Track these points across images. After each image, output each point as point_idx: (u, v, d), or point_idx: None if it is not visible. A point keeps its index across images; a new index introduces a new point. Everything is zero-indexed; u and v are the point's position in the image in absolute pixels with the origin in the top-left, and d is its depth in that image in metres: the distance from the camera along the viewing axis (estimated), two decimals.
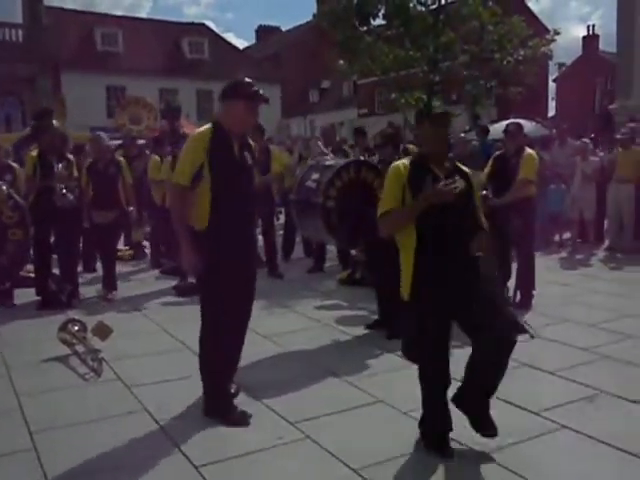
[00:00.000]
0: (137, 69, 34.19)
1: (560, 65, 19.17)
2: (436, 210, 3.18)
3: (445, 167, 3.40)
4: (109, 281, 7.19)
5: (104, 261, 7.35)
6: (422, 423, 3.48)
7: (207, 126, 3.73)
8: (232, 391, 4.02)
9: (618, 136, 10.02)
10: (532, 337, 3.26)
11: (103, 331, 5.03)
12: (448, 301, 3.23)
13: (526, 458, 3.27)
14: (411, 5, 15.87)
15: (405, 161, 3.43)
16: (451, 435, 3.42)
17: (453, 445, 3.39)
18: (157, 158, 8.66)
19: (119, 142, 11.46)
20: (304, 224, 5.98)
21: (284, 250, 9.42)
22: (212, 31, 42.66)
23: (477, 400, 3.35)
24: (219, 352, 3.85)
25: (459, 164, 3.55)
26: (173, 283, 7.45)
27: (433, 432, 3.42)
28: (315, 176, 5.64)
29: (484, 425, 3.35)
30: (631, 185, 9.16)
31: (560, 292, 6.89)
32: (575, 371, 4.49)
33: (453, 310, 3.27)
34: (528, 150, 6.27)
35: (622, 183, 9.23)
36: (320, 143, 8.27)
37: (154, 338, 5.60)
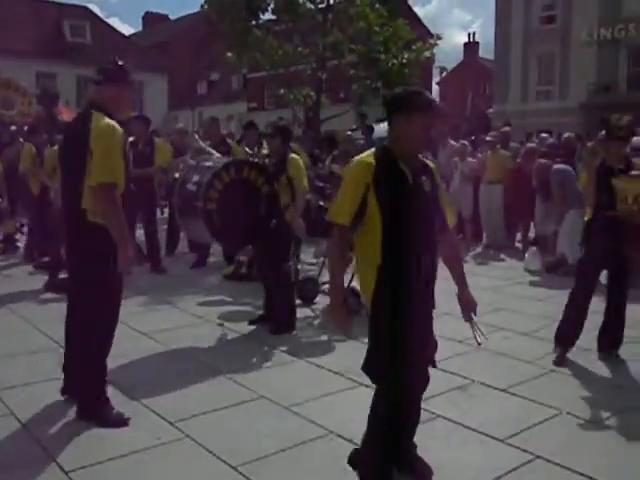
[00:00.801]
0: (11, 50, 32.04)
1: (442, 69, 19.99)
2: (402, 208, 2.81)
3: (413, 164, 2.90)
4: None
5: None
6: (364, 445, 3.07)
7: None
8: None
9: (488, 138, 10.57)
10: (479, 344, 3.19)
11: None
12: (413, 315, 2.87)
13: None
14: (300, 2, 15.96)
15: (370, 157, 2.86)
16: (322, 422, 3.43)
17: (321, 433, 3.43)
18: (31, 147, 8.15)
19: None
20: (188, 226, 5.80)
21: (168, 245, 9.18)
22: (95, 14, 40.88)
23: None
24: (103, 352, 3.72)
25: (425, 159, 3.08)
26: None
27: (377, 459, 3.00)
28: (195, 178, 5.48)
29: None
30: (500, 186, 9.72)
31: (438, 287, 7.16)
32: (450, 362, 4.67)
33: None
34: None
35: (491, 184, 9.78)
36: (197, 137, 8.09)
37: (25, 337, 5.26)
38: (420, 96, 2.86)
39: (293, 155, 5.62)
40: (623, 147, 4.76)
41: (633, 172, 4.58)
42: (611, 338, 4.87)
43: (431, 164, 3.07)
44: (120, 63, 3.69)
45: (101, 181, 3.46)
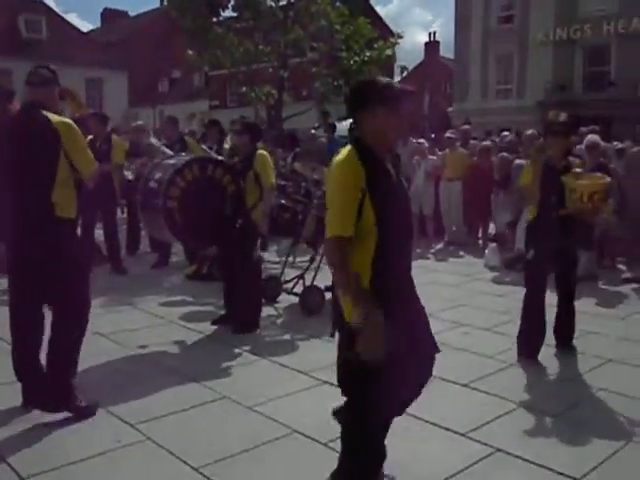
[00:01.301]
0: None
1: (403, 68, 20.15)
2: (393, 208, 2.57)
3: (388, 157, 2.67)
4: None
5: None
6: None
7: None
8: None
9: (447, 135, 10.69)
10: None
11: None
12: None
13: None
14: None
15: (353, 156, 2.53)
16: (285, 421, 3.43)
17: (284, 432, 3.43)
18: None
19: None
20: (149, 224, 5.72)
21: (129, 245, 9.05)
22: (51, 9, 40.03)
23: None
24: (78, 347, 3.89)
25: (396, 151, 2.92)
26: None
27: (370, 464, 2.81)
28: (157, 175, 5.41)
29: None
30: (458, 183, 9.85)
31: None
32: None
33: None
34: None
35: (450, 181, 9.91)
36: (151, 134, 7.98)
37: None
38: (387, 86, 2.60)
39: (260, 151, 5.59)
40: (562, 144, 4.61)
41: (575, 170, 4.50)
42: (564, 333, 4.92)
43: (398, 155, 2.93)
44: (53, 68, 3.93)
45: (92, 171, 3.86)
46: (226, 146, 7.22)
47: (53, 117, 3.66)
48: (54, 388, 3.74)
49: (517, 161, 8.42)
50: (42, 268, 3.67)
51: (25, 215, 3.67)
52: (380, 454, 2.91)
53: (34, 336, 3.81)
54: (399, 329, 2.48)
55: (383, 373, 2.48)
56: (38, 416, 3.70)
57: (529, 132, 8.89)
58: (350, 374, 2.67)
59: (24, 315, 3.79)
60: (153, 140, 7.01)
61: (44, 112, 3.66)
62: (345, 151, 2.58)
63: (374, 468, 2.87)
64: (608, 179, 4.61)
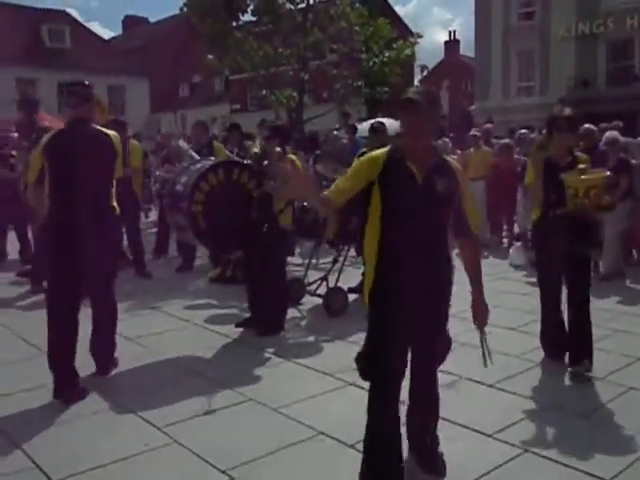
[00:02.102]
0: None
1: (423, 67, 20.06)
2: (403, 206, 2.78)
3: (426, 164, 2.81)
4: None
5: None
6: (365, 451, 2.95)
7: None
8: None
9: (472, 132, 10.61)
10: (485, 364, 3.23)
11: None
12: (407, 321, 2.82)
13: None
14: (280, 2, 15.92)
15: (382, 154, 2.85)
16: (311, 423, 3.42)
17: (310, 434, 3.42)
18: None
19: None
20: (177, 226, 5.78)
21: (157, 249, 9.20)
22: (74, 19, 40.60)
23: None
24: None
25: (446, 157, 3.02)
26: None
27: (376, 462, 2.91)
28: (184, 179, 5.46)
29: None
30: (482, 182, 9.75)
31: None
32: None
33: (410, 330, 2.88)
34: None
35: (474, 180, 9.80)
36: (181, 140, 8.06)
37: (7, 346, 5.20)
38: (403, 96, 2.79)
39: (290, 155, 5.58)
40: (566, 140, 4.38)
41: (580, 166, 4.23)
42: (576, 349, 4.43)
43: (453, 164, 2.95)
44: (87, 84, 4.40)
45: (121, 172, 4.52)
46: (255, 150, 7.25)
47: (104, 130, 4.30)
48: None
49: None
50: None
51: (90, 213, 4.14)
52: (392, 447, 2.91)
53: (74, 330, 4.21)
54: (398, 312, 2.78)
55: (374, 334, 2.85)
56: (67, 419, 3.76)
57: (586, 126, 8.48)
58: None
59: (64, 311, 4.15)
60: (181, 143, 7.08)
61: (94, 126, 4.25)
62: (381, 149, 2.90)
63: (384, 459, 2.89)
64: (606, 173, 4.28)
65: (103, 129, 4.31)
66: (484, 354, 3.14)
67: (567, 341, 4.52)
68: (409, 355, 2.95)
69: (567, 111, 4.39)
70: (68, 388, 4.05)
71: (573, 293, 4.43)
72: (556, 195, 4.26)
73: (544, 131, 5.19)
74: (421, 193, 2.78)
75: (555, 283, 4.56)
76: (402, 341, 2.87)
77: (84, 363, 4.32)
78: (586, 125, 7.37)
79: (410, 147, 2.79)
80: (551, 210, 4.33)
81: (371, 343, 2.89)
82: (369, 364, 2.86)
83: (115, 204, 4.34)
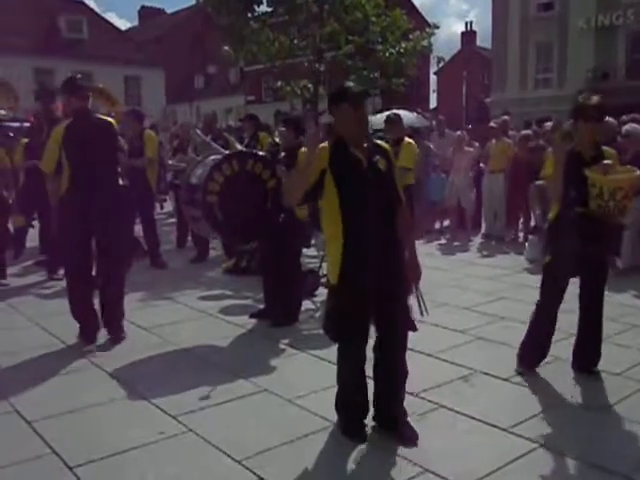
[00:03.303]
0: (8, 46, 31.94)
1: (439, 59, 19.94)
2: (358, 189, 3.18)
3: (365, 148, 3.27)
4: None
5: None
6: (337, 405, 3.51)
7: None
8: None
9: (491, 124, 10.54)
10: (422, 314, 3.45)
11: None
12: (371, 285, 3.23)
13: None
14: None
15: (329, 145, 3.27)
16: (325, 414, 3.43)
17: (324, 425, 3.43)
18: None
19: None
20: (193, 218, 5.79)
21: (178, 239, 9.34)
22: (91, 10, 40.77)
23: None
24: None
25: (378, 141, 3.48)
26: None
27: (347, 415, 3.46)
28: (199, 172, 5.47)
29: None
30: (502, 175, 9.68)
31: (439, 277, 7.16)
32: (452, 352, 4.69)
33: (373, 296, 3.27)
34: (407, 139, 6.45)
35: (494, 173, 9.74)
36: (198, 131, 8.06)
37: (25, 334, 5.26)
38: (339, 89, 3.30)
39: (304, 148, 5.55)
40: (593, 130, 3.97)
41: (605, 161, 3.89)
42: (588, 357, 4.30)
43: (384, 145, 3.42)
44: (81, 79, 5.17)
45: None
46: (276, 139, 7.25)
47: (106, 118, 5.09)
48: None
49: None
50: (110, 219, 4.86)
51: (105, 187, 4.87)
52: (357, 383, 3.43)
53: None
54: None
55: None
56: (84, 406, 3.80)
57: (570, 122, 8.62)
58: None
59: (84, 267, 4.91)
60: (204, 137, 7.11)
61: (98, 115, 5.07)
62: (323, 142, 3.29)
63: (351, 391, 3.43)
64: (637, 173, 3.88)
65: (106, 117, 5.13)
66: (420, 306, 3.49)
67: (577, 349, 4.32)
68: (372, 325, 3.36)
69: (595, 99, 3.96)
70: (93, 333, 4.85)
71: (588, 300, 4.19)
72: (577, 191, 3.90)
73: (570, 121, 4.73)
74: (369, 175, 3.21)
75: (559, 294, 4.16)
76: (364, 307, 3.27)
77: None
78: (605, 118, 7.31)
79: (354, 136, 3.23)
80: (570, 208, 3.97)
81: (336, 309, 3.30)
82: (334, 323, 3.33)
83: (120, 180, 5.03)
